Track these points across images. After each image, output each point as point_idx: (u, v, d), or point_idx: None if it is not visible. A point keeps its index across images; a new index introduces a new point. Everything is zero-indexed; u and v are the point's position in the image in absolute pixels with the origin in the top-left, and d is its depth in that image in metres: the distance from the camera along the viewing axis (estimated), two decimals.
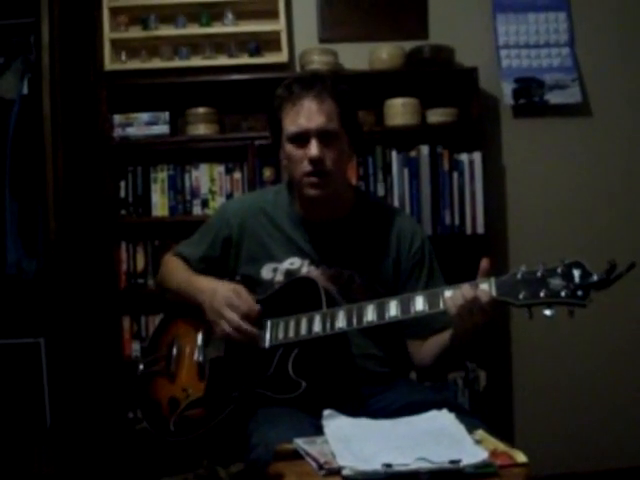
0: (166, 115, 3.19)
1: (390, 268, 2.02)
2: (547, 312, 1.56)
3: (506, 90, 3.32)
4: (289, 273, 2.01)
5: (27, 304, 3.25)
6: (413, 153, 3.18)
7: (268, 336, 1.88)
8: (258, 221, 2.08)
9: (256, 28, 3.29)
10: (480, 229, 3.16)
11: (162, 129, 3.19)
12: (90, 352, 3.16)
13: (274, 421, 1.71)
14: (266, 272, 2.04)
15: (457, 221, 3.16)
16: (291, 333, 1.84)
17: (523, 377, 3.41)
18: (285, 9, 3.28)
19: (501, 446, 1.49)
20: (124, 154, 3.21)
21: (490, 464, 1.37)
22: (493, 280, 1.64)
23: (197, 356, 1.99)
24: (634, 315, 3.41)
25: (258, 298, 1.99)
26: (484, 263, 1.68)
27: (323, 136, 1.92)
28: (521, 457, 1.43)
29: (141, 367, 2.08)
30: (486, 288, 1.63)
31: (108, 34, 3.23)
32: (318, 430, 1.57)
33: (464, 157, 3.18)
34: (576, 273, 1.54)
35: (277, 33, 3.27)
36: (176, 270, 2.13)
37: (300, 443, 1.50)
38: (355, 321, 1.78)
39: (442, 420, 1.59)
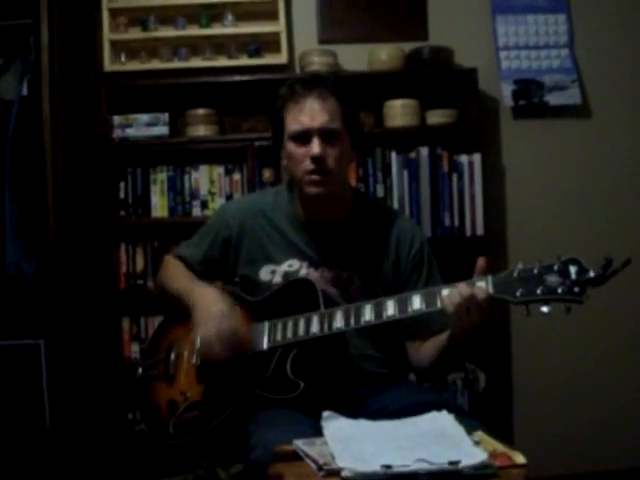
0: (166, 116, 3.19)
1: (389, 270, 2.02)
2: (544, 309, 1.56)
3: (506, 91, 3.33)
4: (287, 275, 2.01)
5: (27, 305, 3.25)
6: (412, 154, 3.18)
7: (266, 337, 1.88)
8: (257, 222, 2.08)
9: (256, 29, 3.29)
10: (480, 230, 3.16)
11: (162, 130, 3.19)
12: (90, 353, 3.16)
13: (273, 422, 1.71)
14: (264, 274, 2.04)
15: (457, 222, 3.16)
16: (289, 334, 1.84)
17: (522, 378, 3.41)
18: (285, 10, 3.28)
19: (500, 447, 1.49)
20: (124, 155, 3.21)
21: (489, 465, 1.37)
22: (490, 278, 1.64)
23: (195, 359, 1.98)
24: (634, 316, 3.41)
25: (256, 300, 2.00)
26: (480, 262, 1.69)
27: (325, 135, 1.92)
28: (520, 458, 1.43)
29: (140, 370, 2.07)
30: (483, 286, 1.64)
31: (108, 35, 3.23)
32: (317, 431, 1.57)
33: (464, 158, 3.18)
34: (572, 269, 1.54)
35: (277, 34, 3.27)
36: (175, 273, 2.13)
37: (299, 444, 1.50)
38: (353, 321, 1.78)
39: (441, 421, 1.59)
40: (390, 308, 1.75)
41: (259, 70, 3.25)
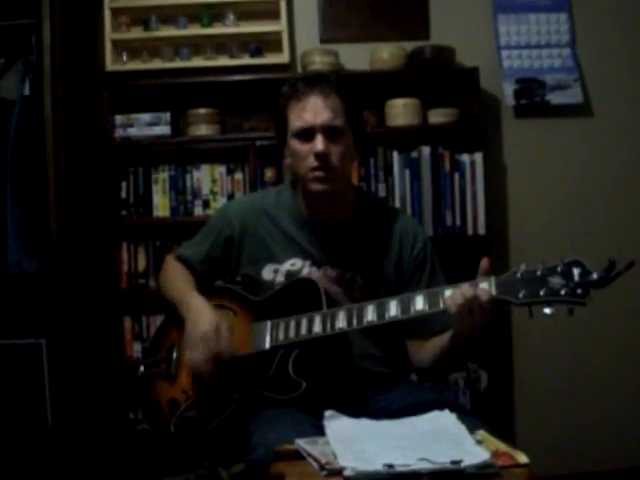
0: (167, 116, 3.19)
1: (392, 269, 2.02)
2: (547, 311, 1.56)
3: (507, 90, 3.33)
4: (290, 274, 2.01)
5: (28, 304, 3.25)
6: (414, 153, 3.18)
7: (268, 337, 1.88)
8: (259, 221, 2.07)
9: (257, 29, 3.30)
10: (481, 230, 3.16)
11: (163, 130, 3.19)
12: (91, 353, 3.16)
13: (275, 422, 1.71)
14: (267, 273, 2.03)
15: (458, 222, 3.16)
16: (291, 333, 1.84)
17: (524, 377, 3.41)
18: (286, 10, 3.28)
19: (502, 446, 1.49)
20: (125, 155, 3.21)
21: (492, 464, 1.36)
22: (493, 279, 1.64)
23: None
24: (635, 316, 3.40)
25: (258, 299, 2.00)
26: (484, 263, 1.69)
27: (329, 132, 1.92)
28: (522, 457, 1.43)
29: (141, 369, 2.08)
30: (486, 287, 1.63)
31: (109, 35, 3.23)
32: (319, 430, 1.57)
33: (465, 157, 3.18)
34: (576, 271, 1.54)
35: (278, 34, 3.27)
36: (173, 278, 2.13)
37: (301, 443, 1.50)
38: (355, 321, 1.78)
39: (443, 420, 1.59)
40: (393, 309, 1.75)
41: (261, 70, 3.25)
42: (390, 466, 1.33)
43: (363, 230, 2.04)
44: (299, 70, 3.27)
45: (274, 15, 3.28)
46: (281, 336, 1.86)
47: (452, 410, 1.62)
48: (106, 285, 3.17)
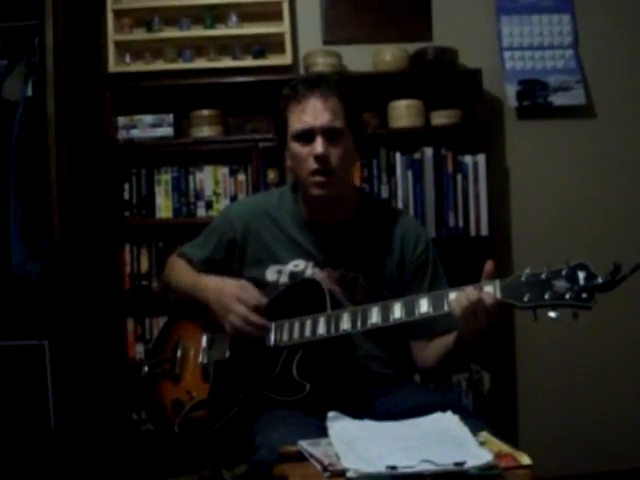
0: (170, 117, 3.20)
1: (394, 270, 2.02)
2: (552, 314, 1.56)
3: (510, 92, 3.32)
4: (293, 275, 2.01)
5: (31, 306, 3.26)
6: (417, 155, 3.18)
7: (272, 338, 1.88)
8: (262, 223, 2.08)
9: (260, 30, 3.30)
10: (484, 231, 3.15)
11: (166, 131, 3.19)
12: (94, 354, 3.17)
13: (278, 423, 1.71)
14: (270, 274, 2.03)
15: (461, 223, 3.16)
16: (295, 335, 1.84)
17: (527, 379, 3.40)
18: (289, 11, 3.28)
19: (505, 448, 1.49)
20: (128, 156, 3.21)
21: (495, 466, 1.37)
22: (497, 282, 1.64)
23: (201, 358, 1.99)
24: (638, 318, 3.40)
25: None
26: (488, 265, 1.68)
27: (328, 134, 1.92)
28: (525, 459, 1.43)
29: (145, 369, 2.08)
30: (490, 290, 1.63)
31: (112, 36, 3.24)
32: (322, 432, 1.57)
33: (468, 159, 3.18)
34: (581, 275, 1.53)
35: (281, 35, 3.27)
36: (181, 271, 2.13)
37: (304, 445, 1.50)
38: (359, 323, 1.78)
39: (446, 422, 1.59)
40: (397, 311, 1.74)
41: (263, 71, 3.25)
42: (393, 467, 1.33)
43: (365, 231, 2.04)
44: (302, 71, 3.27)
45: (277, 16, 3.28)
46: (285, 337, 1.86)
47: (455, 411, 1.62)
48: (109, 286, 3.17)
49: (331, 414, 1.60)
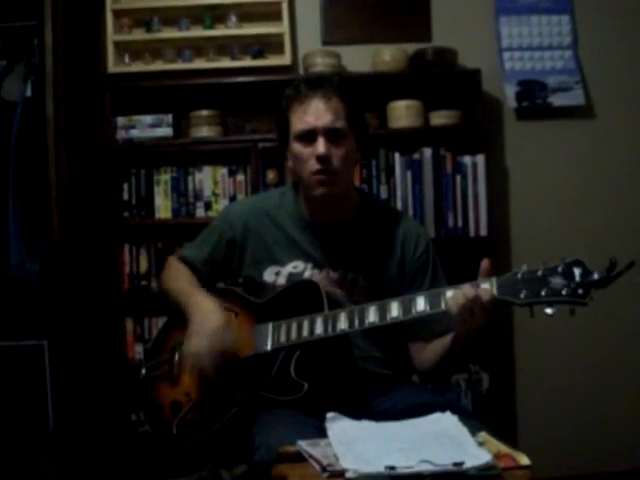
0: (169, 117, 3.19)
1: (394, 271, 2.02)
2: (548, 311, 1.57)
3: (509, 92, 3.32)
4: (292, 276, 2.01)
5: (30, 306, 3.25)
6: (416, 155, 3.18)
7: (270, 339, 1.88)
8: (262, 223, 2.08)
9: (259, 30, 3.30)
10: (483, 231, 3.16)
11: (165, 131, 3.19)
12: (93, 354, 3.17)
13: (277, 423, 1.71)
14: (268, 275, 2.04)
15: (460, 223, 3.16)
16: (293, 335, 1.84)
17: (526, 379, 3.40)
18: (288, 11, 3.28)
19: (504, 448, 1.49)
20: (127, 156, 3.21)
21: (494, 466, 1.37)
22: (494, 279, 1.64)
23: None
24: (637, 317, 3.40)
25: (260, 301, 2.00)
26: (484, 263, 1.69)
27: (330, 134, 1.92)
28: (524, 459, 1.43)
29: (143, 371, 2.08)
30: (487, 287, 1.64)
31: (111, 36, 3.24)
32: (321, 432, 1.57)
33: (467, 159, 3.18)
34: (577, 272, 1.54)
35: (280, 35, 3.27)
36: (176, 278, 2.13)
37: (303, 445, 1.50)
38: (357, 322, 1.78)
39: (445, 422, 1.59)
40: (394, 310, 1.75)
41: (263, 71, 3.25)
42: (392, 468, 1.33)
43: (365, 232, 2.04)
44: (301, 72, 3.27)
45: (276, 17, 3.28)
46: (283, 338, 1.86)
47: (454, 412, 1.62)
48: (108, 287, 3.17)
49: (330, 415, 1.60)
